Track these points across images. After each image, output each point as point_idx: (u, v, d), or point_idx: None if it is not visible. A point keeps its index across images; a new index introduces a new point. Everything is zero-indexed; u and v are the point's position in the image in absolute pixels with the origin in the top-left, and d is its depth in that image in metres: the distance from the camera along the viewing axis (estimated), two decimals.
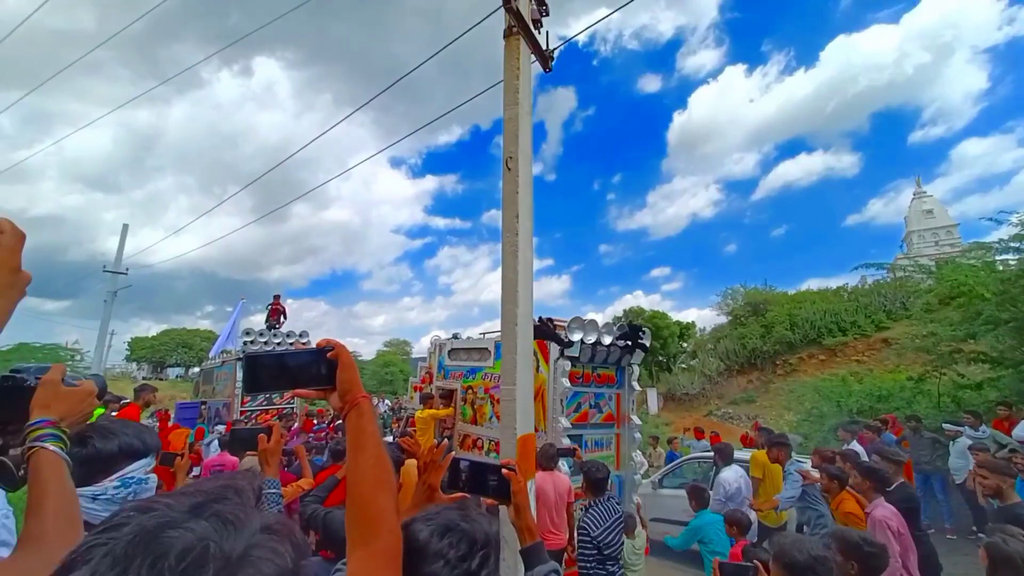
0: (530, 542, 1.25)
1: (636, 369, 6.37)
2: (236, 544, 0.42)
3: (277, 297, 13.26)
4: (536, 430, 5.10)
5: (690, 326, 30.59)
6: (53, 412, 0.92)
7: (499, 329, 6.96)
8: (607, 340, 5.80)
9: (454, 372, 7.05)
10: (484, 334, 7.11)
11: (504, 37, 3.08)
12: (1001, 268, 8.05)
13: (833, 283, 24.09)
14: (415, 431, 6.54)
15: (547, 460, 4.60)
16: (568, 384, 5.39)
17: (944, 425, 7.03)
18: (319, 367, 0.89)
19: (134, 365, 59.02)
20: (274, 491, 1.49)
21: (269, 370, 0.91)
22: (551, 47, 3.41)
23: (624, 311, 30.60)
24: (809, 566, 1.52)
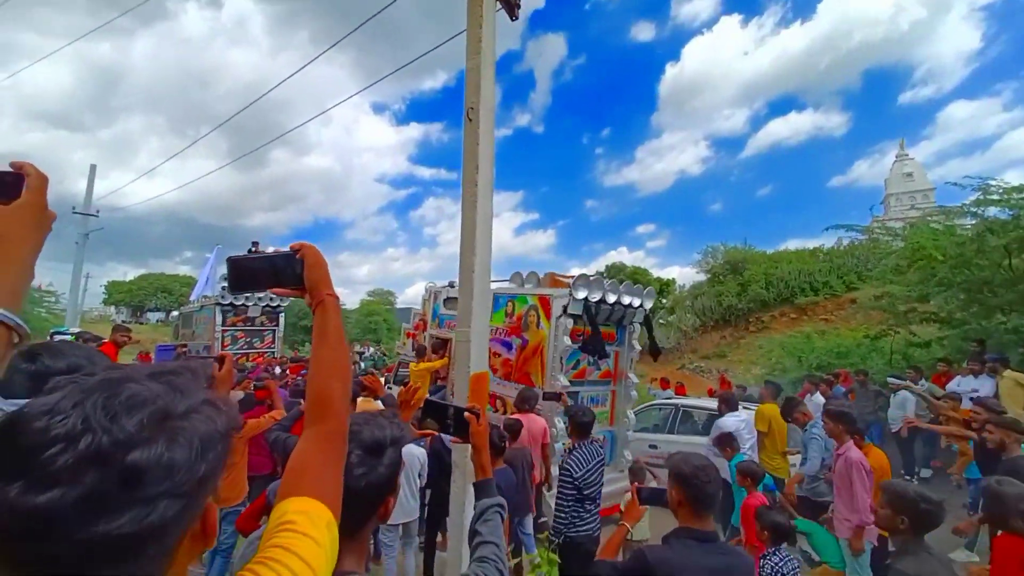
0: (482, 478, 1.39)
1: (637, 327, 6.30)
2: (179, 404, 0.52)
3: (256, 244, 13.11)
4: (532, 386, 5.33)
5: (670, 283, 31.18)
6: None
7: (504, 279, 7.00)
8: (612, 298, 5.69)
9: (449, 321, 6.83)
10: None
11: None
12: (959, 232, 8.36)
13: (812, 244, 24.54)
14: (413, 383, 6.73)
15: (522, 402, 4.82)
16: (569, 342, 5.33)
17: (888, 379, 7.54)
18: (293, 268, 0.94)
19: (112, 309, 58.31)
20: None
21: (250, 271, 0.97)
22: None
23: (607, 267, 30.98)
24: (693, 474, 1.76)
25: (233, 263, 0.98)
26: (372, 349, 17.33)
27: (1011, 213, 7.42)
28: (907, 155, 32.45)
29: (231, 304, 11.82)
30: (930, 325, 9.60)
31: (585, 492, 3.47)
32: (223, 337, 11.88)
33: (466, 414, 1.44)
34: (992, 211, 7.85)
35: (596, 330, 5.69)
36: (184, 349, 12.88)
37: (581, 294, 5.35)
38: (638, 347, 6.43)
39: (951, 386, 6.88)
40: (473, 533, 1.28)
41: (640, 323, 6.31)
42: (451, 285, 7.15)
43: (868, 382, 8.14)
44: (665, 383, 11.26)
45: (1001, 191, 7.59)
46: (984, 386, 6.49)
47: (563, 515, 3.48)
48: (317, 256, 0.95)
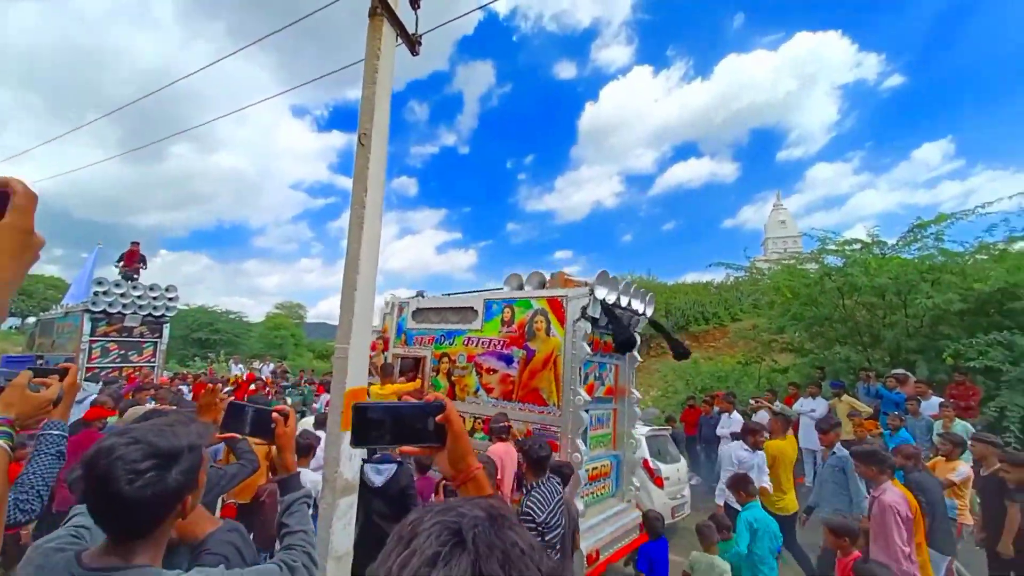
0: (286, 475, 1.49)
1: (637, 338, 5.57)
2: None
3: (136, 244, 11.93)
4: (543, 404, 4.76)
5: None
6: (12, 411, 1.09)
7: (490, 287, 6.24)
8: (624, 300, 5.05)
9: (420, 337, 6.10)
10: (467, 291, 6.13)
11: (369, 16, 3.20)
12: (808, 276, 9.90)
13: (706, 277, 27.27)
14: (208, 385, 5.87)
15: (501, 432, 4.45)
16: (588, 350, 4.63)
17: (750, 400, 8.61)
18: (426, 423, 0.86)
19: None
20: (56, 432, 1.48)
21: (377, 422, 0.88)
22: (420, 31, 3.58)
23: (507, 277, 31.82)
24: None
25: (359, 411, 0.88)
26: (267, 369, 16.11)
27: (842, 261, 8.96)
28: (782, 205, 37.63)
29: (104, 312, 10.59)
30: (788, 354, 11.14)
31: (547, 538, 3.08)
32: (91, 349, 10.57)
33: (274, 415, 1.48)
34: (830, 259, 9.42)
35: (618, 321, 5.00)
36: (41, 361, 11.26)
37: (603, 294, 4.72)
38: (639, 358, 5.79)
39: (795, 406, 8.06)
40: (280, 526, 1.39)
41: (638, 331, 5.65)
42: (420, 295, 6.53)
43: (735, 402, 9.23)
44: None
45: (835, 243, 9.17)
46: (819, 407, 7.69)
47: None
48: (460, 422, 0.88)
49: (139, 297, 11.01)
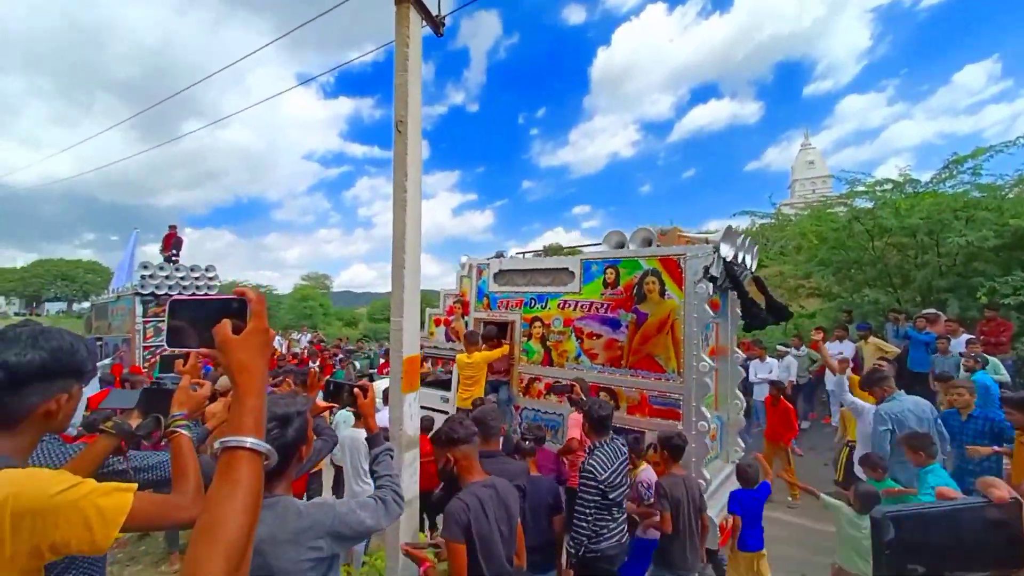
0: (370, 434, 1.94)
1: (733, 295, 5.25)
2: None
3: (173, 227, 12.46)
4: (659, 370, 4.45)
5: None
6: (185, 408, 1.46)
7: (590, 243, 6.10)
8: (740, 257, 4.75)
9: (506, 300, 5.74)
10: (565, 251, 5.85)
11: (395, 4, 3.28)
12: (835, 219, 9.75)
13: (731, 225, 26.70)
14: (461, 380, 5.41)
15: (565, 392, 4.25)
16: (711, 312, 4.37)
17: (777, 346, 8.78)
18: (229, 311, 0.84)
19: (1, 299, 51.86)
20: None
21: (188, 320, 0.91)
22: (443, 12, 3.64)
23: (544, 247, 31.78)
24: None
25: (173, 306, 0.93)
26: (305, 339, 16.94)
27: (872, 203, 8.80)
28: (810, 144, 35.95)
29: (152, 294, 11.25)
30: (815, 299, 11.14)
31: (611, 497, 3.07)
32: (145, 329, 11.31)
33: (355, 389, 1.95)
34: (859, 201, 9.24)
35: (745, 294, 4.84)
36: (100, 342, 12.13)
37: (728, 251, 4.40)
38: (740, 315, 5.32)
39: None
40: (371, 472, 1.83)
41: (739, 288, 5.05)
42: (499, 256, 6.12)
43: (764, 349, 9.42)
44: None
45: (864, 184, 8.97)
46: (846, 349, 7.80)
47: (584, 525, 3.02)
48: (262, 335, 0.83)
49: (182, 278, 11.61)
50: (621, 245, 5.13)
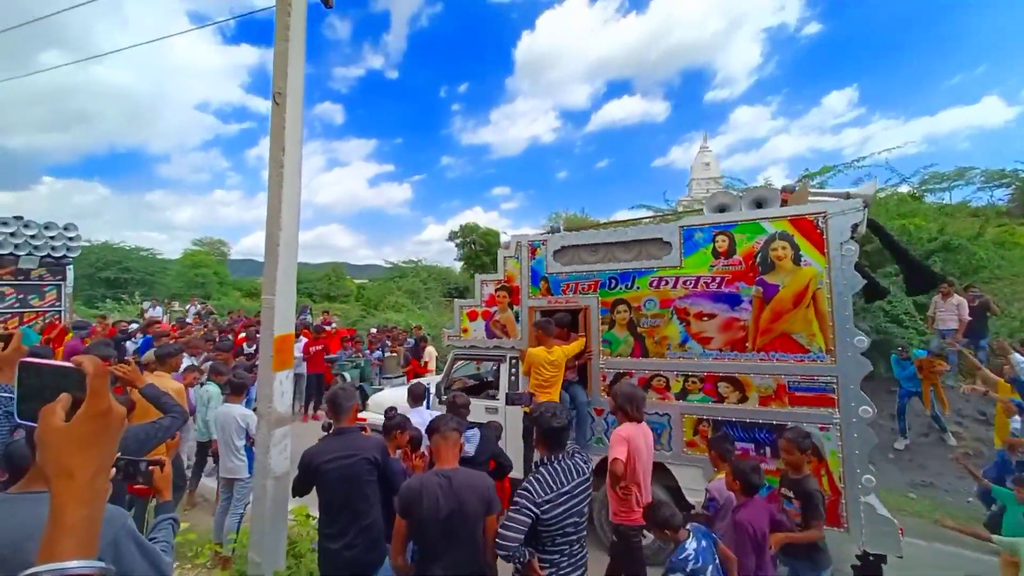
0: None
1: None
2: None
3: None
4: (802, 351, 3.83)
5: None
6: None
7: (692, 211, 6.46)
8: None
9: (574, 283, 4.81)
10: (655, 216, 4.82)
11: None
12: None
13: (634, 217, 28.57)
14: (537, 382, 4.39)
15: (637, 406, 3.30)
16: (859, 277, 3.78)
17: None
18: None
19: None
20: (6, 395, 1.82)
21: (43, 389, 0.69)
22: None
23: (460, 226, 31.68)
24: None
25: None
26: (193, 310, 15.40)
27: None
28: (708, 147, 39.18)
29: None
30: None
31: (548, 523, 2.41)
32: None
33: (150, 467, 1.67)
34: None
35: (902, 252, 4.38)
36: None
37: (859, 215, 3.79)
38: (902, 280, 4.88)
39: None
40: (150, 538, 1.59)
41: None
42: (555, 231, 5.22)
43: None
44: None
45: (735, 191, 10.17)
46: None
47: (507, 545, 2.32)
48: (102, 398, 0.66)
49: (33, 237, 10.08)
50: (723, 209, 4.35)
